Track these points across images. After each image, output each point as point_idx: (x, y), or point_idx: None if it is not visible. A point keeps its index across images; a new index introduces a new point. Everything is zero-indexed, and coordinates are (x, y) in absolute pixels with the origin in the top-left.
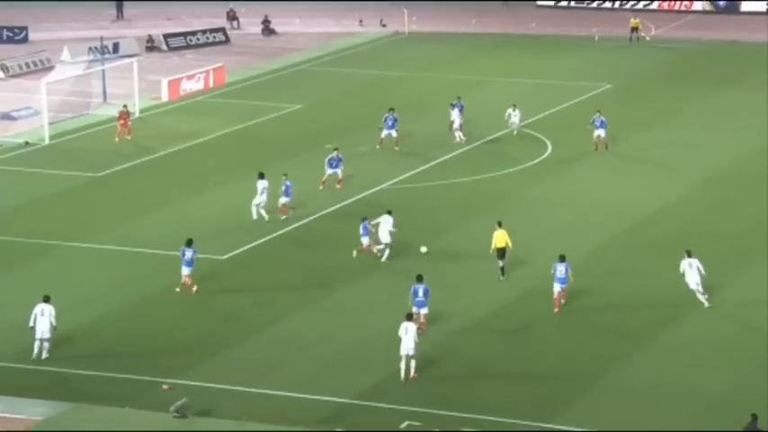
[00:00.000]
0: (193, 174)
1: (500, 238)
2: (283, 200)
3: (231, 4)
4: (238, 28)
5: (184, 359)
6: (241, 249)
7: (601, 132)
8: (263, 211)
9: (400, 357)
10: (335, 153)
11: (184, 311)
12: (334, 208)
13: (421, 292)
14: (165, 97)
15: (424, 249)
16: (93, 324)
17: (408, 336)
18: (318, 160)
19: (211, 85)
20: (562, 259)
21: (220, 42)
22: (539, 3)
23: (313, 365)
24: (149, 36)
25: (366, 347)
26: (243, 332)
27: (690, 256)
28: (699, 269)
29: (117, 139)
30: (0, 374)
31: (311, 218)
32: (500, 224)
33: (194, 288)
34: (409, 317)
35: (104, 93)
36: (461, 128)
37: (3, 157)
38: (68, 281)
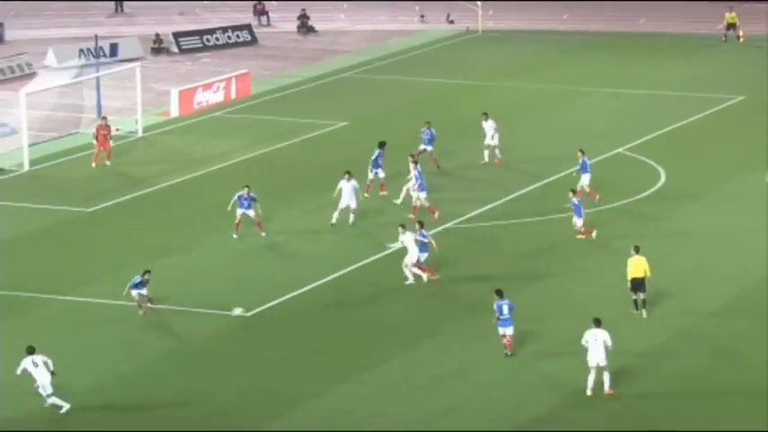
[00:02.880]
0: (209, 209)
1: (637, 266)
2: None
3: None
4: (268, 25)
5: None
6: (271, 303)
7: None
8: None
9: (590, 369)
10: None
11: (196, 382)
12: (382, 255)
13: (506, 310)
14: (174, 112)
15: (237, 312)
16: (81, 399)
17: (598, 343)
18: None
19: (233, 96)
20: None
21: (245, 43)
22: None
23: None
24: (156, 35)
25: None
26: (270, 410)
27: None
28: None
29: (94, 164)
30: None
31: (353, 266)
32: (637, 249)
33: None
34: (597, 322)
35: (99, 106)
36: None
37: None
38: (53, 343)
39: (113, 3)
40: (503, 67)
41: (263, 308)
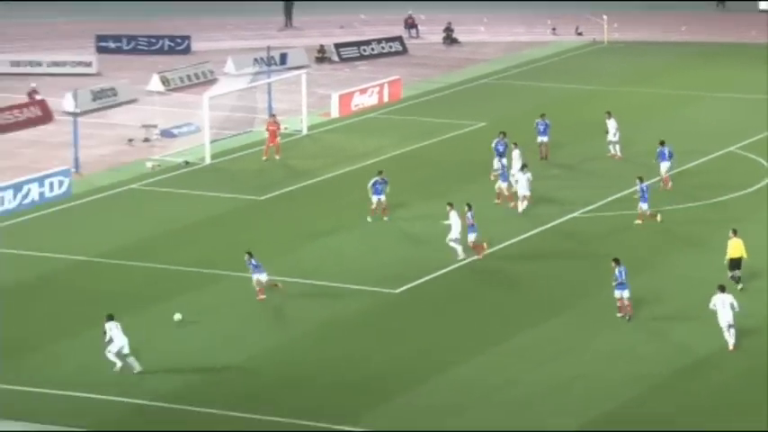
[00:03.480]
0: (365, 198)
1: (736, 248)
2: (471, 237)
3: (410, 11)
4: (417, 37)
5: (354, 403)
6: (416, 282)
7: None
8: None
9: (721, 329)
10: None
11: (353, 350)
12: (521, 238)
13: (623, 275)
14: (334, 113)
15: (177, 317)
16: (253, 362)
17: (726, 307)
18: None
19: (386, 99)
20: None
21: (397, 53)
22: (762, 5)
23: (498, 412)
24: (320, 46)
25: (553, 395)
26: (420, 374)
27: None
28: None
29: (264, 158)
30: (144, 414)
31: (495, 248)
32: (735, 232)
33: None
34: (722, 288)
35: (270, 108)
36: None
37: (161, 178)
38: (226, 314)
39: (283, 18)
40: (626, 73)
41: (409, 286)
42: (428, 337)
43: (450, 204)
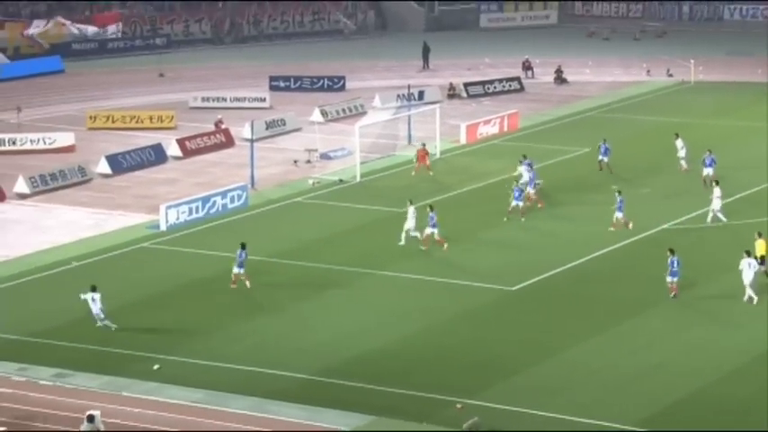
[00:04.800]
0: (490, 209)
1: (761, 247)
2: (428, 230)
3: (527, 56)
4: (533, 77)
5: (477, 380)
6: (531, 281)
7: (709, 171)
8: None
9: (744, 287)
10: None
11: (478, 336)
12: (619, 245)
13: (676, 264)
14: (463, 140)
15: (155, 367)
16: (394, 345)
17: (750, 270)
18: (605, 200)
19: (506, 129)
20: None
21: (515, 90)
22: None
23: (597, 391)
24: (451, 84)
25: (646, 378)
26: (532, 357)
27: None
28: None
29: (414, 173)
30: (306, 387)
31: (595, 254)
32: (760, 234)
33: (247, 283)
34: (748, 253)
35: (409, 135)
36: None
37: (320, 193)
38: (373, 305)
39: (421, 62)
40: (709, 108)
41: (524, 284)
42: (540, 326)
43: (410, 200)
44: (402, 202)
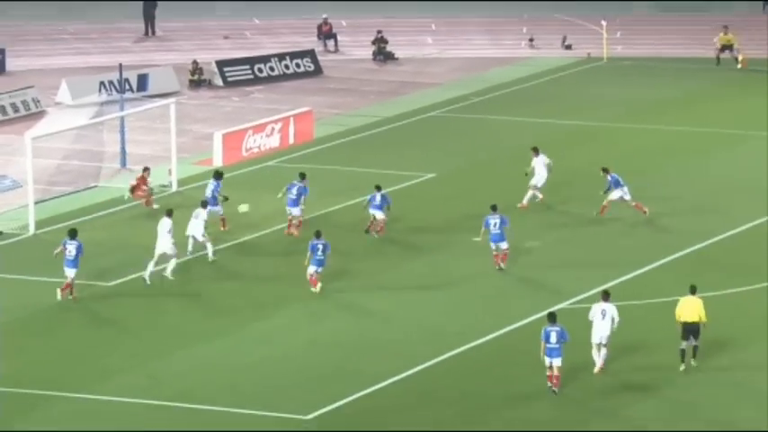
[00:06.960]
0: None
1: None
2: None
3: (325, 14)
4: (336, 50)
5: None
6: None
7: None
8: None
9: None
10: None
11: None
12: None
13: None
14: (218, 160)
15: (244, 208)
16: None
17: (605, 322)
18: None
19: (292, 141)
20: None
21: (307, 74)
22: None
23: None
24: (194, 63)
25: None
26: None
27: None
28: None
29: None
30: None
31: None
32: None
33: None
34: (606, 295)
35: (123, 154)
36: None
37: None
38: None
39: (142, 24)
40: (633, 104)
41: None
42: None
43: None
44: (108, 274)
